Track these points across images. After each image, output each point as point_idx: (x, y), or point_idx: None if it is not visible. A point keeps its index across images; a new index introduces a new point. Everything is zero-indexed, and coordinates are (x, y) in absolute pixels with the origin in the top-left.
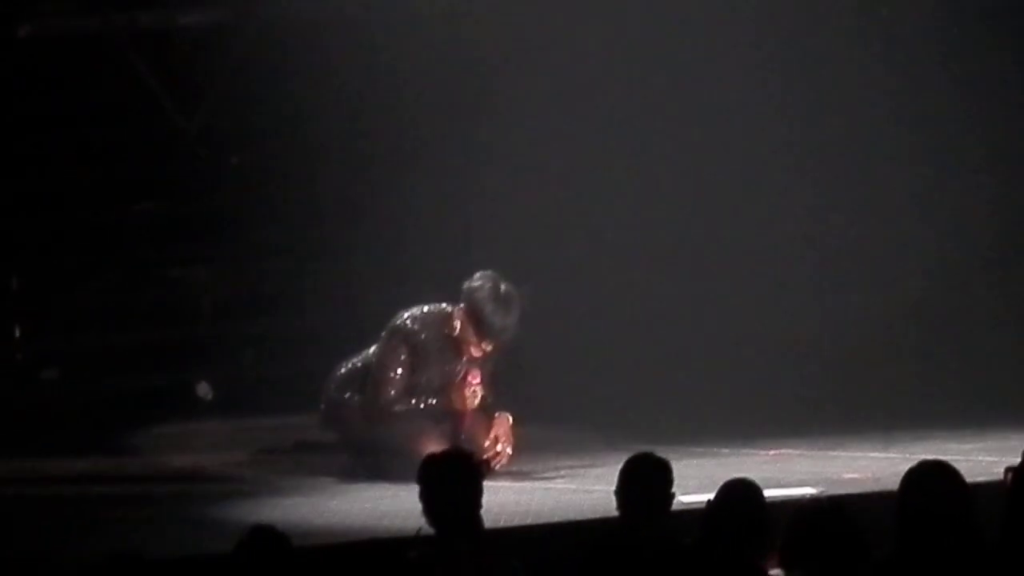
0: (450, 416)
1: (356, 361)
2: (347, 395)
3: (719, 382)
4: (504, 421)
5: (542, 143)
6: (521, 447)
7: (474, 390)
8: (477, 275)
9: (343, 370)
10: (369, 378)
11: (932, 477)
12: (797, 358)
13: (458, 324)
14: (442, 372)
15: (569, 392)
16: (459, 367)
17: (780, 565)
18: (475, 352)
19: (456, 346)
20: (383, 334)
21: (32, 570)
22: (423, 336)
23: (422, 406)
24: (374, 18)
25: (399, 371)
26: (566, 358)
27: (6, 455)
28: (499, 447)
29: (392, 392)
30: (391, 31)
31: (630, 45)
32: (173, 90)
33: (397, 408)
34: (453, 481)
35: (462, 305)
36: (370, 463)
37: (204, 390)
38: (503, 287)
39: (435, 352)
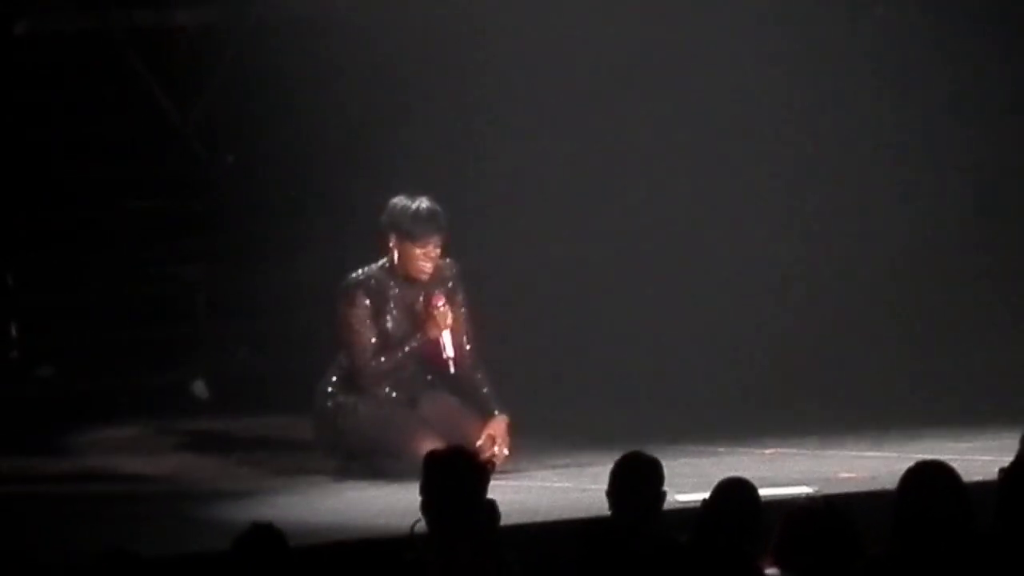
0: (431, 343)
1: (335, 368)
2: (340, 399)
3: (715, 381)
4: (501, 422)
5: (536, 143)
6: (517, 446)
7: (441, 310)
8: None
9: (331, 379)
10: (343, 348)
11: (931, 477)
12: (793, 357)
13: (395, 252)
14: (406, 309)
15: (565, 391)
16: (418, 296)
17: (775, 564)
18: (423, 265)
19: (406, 274)
20: (336, 308)
21: (27, 568)
22: (372, 281)
23: (404, 351)
24: (368, 16)
25: (365, 323)
26: (562, 357)
27: (1, 453)
28: (495, 448)
29: (368, 347)
30: (386, 29)
31: (620, 43)
32: (169, 88)
33: (377, 364)
34: (456, 479)
35: (388, 233)
36: (365, 463)
37: (200, 388)
38: (413, 196)
39: (390, 291)
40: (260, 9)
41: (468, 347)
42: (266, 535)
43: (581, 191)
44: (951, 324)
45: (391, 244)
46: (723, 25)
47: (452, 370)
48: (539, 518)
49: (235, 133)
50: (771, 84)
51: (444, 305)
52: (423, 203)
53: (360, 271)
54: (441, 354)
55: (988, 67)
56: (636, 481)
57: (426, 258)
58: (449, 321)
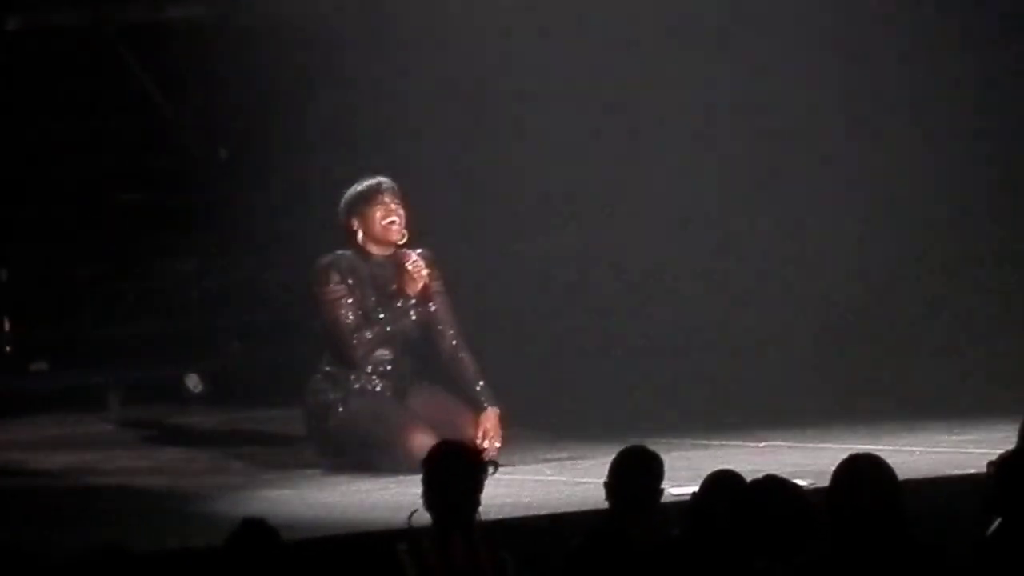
0: (417, 302)
1: (324, 363)
2: (330, 395)
3: (709, 374)
4: (493, 415)
5: (533, 137)
6: (509, 439)
7: (415, 267)
8: None
9: (321, 374)
10: (326, 333)
11: (861, 470)
12: (786, 350)
13: (358, 230)
14: (381, 289)
15: (558, 384)
16: (392, 275)
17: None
18: (390, 224)
19: (376, 242)
20: (313, 291)
21: (19, 562)
22: (344, 262)
23: (390, 324)
24: (363, 13)
25: (343, 298)
26: (555, 349)
27: None
28: (487, 443)
29: (351, 321)
30: (380, 24)
31: (615, 33)
32: (162, 82)
33: (361, 335)
34: (459, 474)
35: (348, 220)
36: (357, 458)
37: (193, 382)
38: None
39: (363, 271)
40: (252, 4)
41: (452, 331)
42: (259, 531)
43: (584, 183)
44: (947, 315)
45: (354, 227)
46: (733, 15)
47: (432, 308)
48: (532, 511)
49: (228, 127)
50: (777, 81)
51: (415, 261)
52: (360, 180)
53: (330, 254)
54: (428, 309)
55: (1011, 55)
56: (636, 474)
57: (388, 212)
58: (425, 274)
